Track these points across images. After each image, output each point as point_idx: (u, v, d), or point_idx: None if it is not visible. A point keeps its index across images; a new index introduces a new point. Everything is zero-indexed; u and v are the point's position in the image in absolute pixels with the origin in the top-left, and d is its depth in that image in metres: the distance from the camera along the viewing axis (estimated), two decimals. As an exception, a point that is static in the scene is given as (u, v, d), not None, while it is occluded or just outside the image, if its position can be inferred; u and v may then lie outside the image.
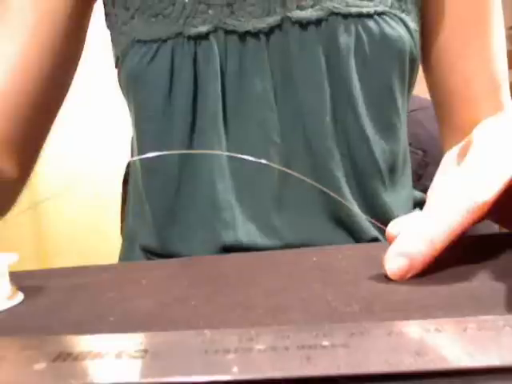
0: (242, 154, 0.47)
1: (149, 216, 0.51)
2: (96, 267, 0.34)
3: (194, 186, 0.49)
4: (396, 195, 0.51)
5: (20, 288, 0.28)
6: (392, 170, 0.51)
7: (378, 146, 0.49)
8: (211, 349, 0.17)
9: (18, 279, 0.28)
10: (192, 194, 0.49)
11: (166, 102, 0.48)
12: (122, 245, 0.59)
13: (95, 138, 1.83)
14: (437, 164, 0.34)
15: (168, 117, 0.48)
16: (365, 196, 0.49)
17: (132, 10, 0.49)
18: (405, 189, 0.53)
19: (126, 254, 0.56)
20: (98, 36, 0.62)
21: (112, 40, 0.54)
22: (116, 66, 0.53)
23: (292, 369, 0.15)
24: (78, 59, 0.55)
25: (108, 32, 0.55)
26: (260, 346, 0.16)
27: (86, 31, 0.55)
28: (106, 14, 0.54)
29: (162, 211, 0.50)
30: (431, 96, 0.58)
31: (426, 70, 0.56)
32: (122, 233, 0.73)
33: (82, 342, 0.18)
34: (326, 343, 0.16)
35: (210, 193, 0.48)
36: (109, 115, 1.73)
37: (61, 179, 1.72)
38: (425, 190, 0.54)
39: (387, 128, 0.50)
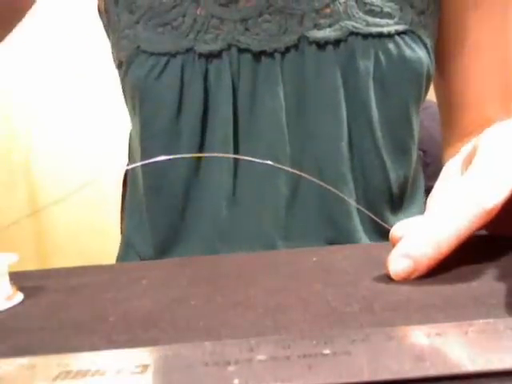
0: (250, 174, 0.46)
1: (148, 229, 0.50)
2: (96, 267, 0.34)
3: (199, 210, 0.48)
4: (406, 215, 0.50)
5: (20, 288, 0.28)
6: (403, 193, 0.50)
7: (393, 171, 0.48)
8: (211, 361, 0.16)
9: (18, 279, 0.28)
10: (197, 218, 0.48)
11: (173, 121, 0.46)
12: (120, 247, 0.58)
13: (94, 138, 1.83)
14: (437, 164, 0.33)
15: (175, 136, 0.47)
16: (373, 220, 0.47)
17: (137, 15, 0.47)
18: (416, 203, 0.53)
19: (122, 258, 0.56)
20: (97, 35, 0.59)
21: (112, 40, 0.51)
22: (118, 68, 0.51)
23: (294, 378, 0.15)
24: None
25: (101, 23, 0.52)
26: (260, 357, 0.16)
27: None
28: (105, 11, 0.51)
29: (163, 228, 0.49)
30: (437, 96, 0.56)
31: (435, 71, 0.54)
32: (121, 233, 0.72)
33: (82, 360, 0.18)
34: (327, 351, 0.16)
35: (216, 218, 0.47)
36: (110, 115, 1.73)
37: (62, 181, 1.72)
38: (425, 190, 0.54)
39: (402, 153, 0.49)
